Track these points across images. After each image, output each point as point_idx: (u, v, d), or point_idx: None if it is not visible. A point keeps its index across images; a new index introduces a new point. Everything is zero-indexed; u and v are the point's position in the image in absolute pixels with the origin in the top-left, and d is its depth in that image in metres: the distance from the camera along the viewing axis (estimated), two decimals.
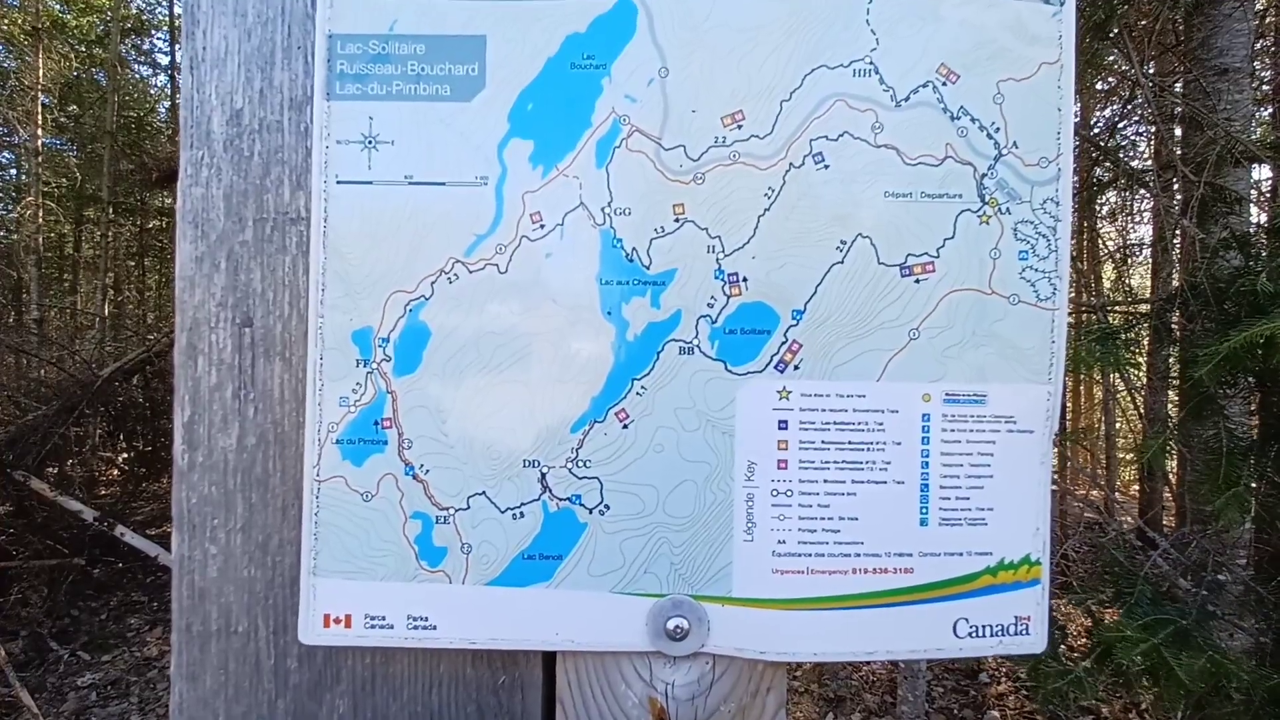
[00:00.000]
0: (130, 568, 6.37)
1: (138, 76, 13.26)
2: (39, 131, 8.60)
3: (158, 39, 12.74)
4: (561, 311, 0.35)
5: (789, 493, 0.35)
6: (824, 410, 0.35)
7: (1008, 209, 0.35)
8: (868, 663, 4.78)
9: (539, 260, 0.35)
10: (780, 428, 0.35)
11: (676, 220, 0.35)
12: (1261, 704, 1.13)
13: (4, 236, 8.63)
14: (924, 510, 0.35)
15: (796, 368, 0.35)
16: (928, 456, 0.35)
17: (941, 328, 0.35)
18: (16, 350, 5.79)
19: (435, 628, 0.35)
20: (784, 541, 0.35)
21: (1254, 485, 1.18)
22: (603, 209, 0.35)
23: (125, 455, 8.04)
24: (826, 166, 0.35)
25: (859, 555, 0.35)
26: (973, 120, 0.35)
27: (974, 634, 0.35)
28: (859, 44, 0.35)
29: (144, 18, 12.44)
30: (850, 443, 0.35)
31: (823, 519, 0.35)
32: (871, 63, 0.35)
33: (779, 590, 0.35)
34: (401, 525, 0.36)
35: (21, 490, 4.99)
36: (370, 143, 0.36)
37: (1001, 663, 4.19)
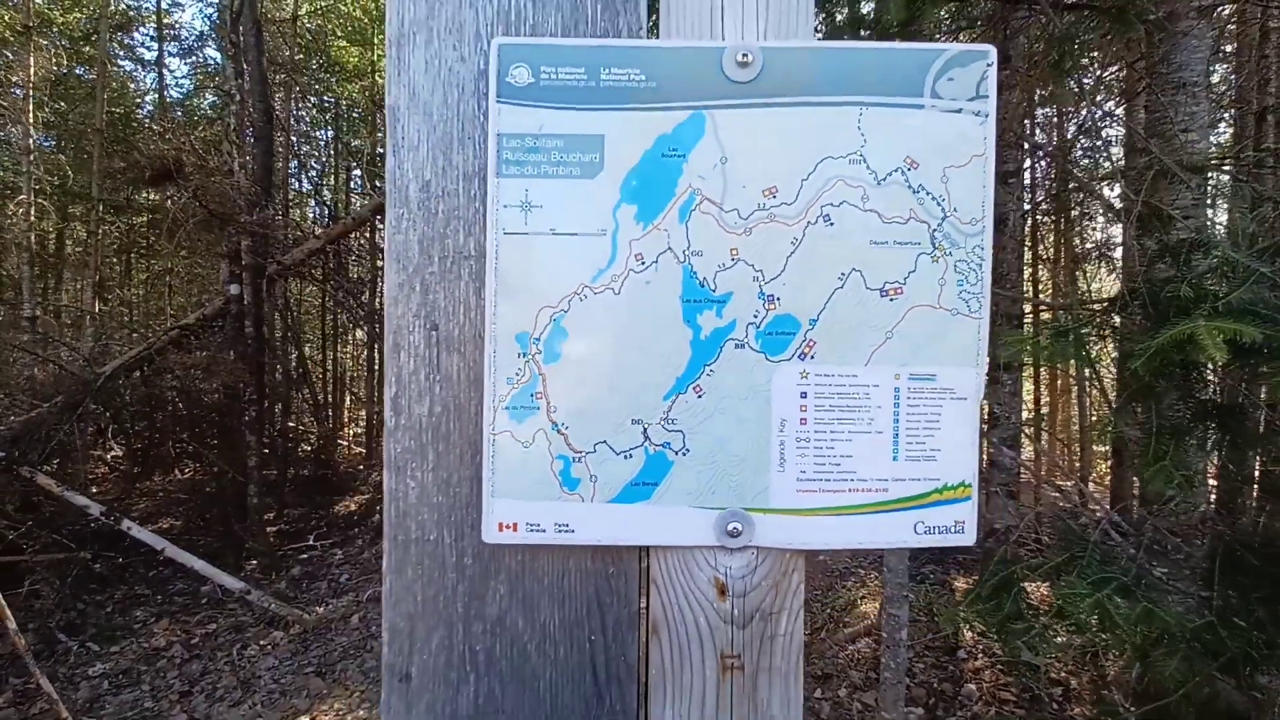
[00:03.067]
0: (131, 562, 6.44)
1: (123, 72, 13.10)
2: (30, 129, 8.57)
3: (141, 34, 12.62)
4: (656, 320, 0.53)
5: (807, 439, 0.53)
6: (830, 385, 0.53)
7: (950, 252, 0.54)
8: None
9: (641, 286, 0.53)
10: (801, 396, 0.53)
11: (733, 259, 0.53)
12: (1190, 647, 1.33)
13: None
14: (895, 450, 0.54)
15: (812, 357, 0.53)
16: (898, 415, 0.54)
17: (907, 331, 0.54)
18: (17, 347, 5.85)
19: (574, 531, 0.53)
20: (804, 471, 0.53)
21: (1186, 463, 1.38)
22: (684, 251, 0.53)
23: (121, 451, 8.04)
24: (832, 224, 0.53)
25: (853, 480, 0.53)
26: (928, 194, 0.54)
27: (928, 532, 0.54)
28: (853, 142, 0.53)
29: (130, 13, 12.29)
30: (847, 406, 0.53)
31: (829, 456, 0.53)
32: (861, 155, 0.53)
33: (801, 503, 0.53)
34: (549, 464, 0.53)
35: (28, 486, 5.06)
36: (526, 206, 0.53)
37: (979, 640, 4.43)
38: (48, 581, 4.89)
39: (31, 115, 8.61)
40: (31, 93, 8.63)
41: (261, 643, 5.06)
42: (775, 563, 0.54)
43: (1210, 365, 1.38)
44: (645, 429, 0.53)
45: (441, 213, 0.56)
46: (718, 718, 0.54)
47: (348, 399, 15.01)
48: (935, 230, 0.54)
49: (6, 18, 9.53)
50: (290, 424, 9.85)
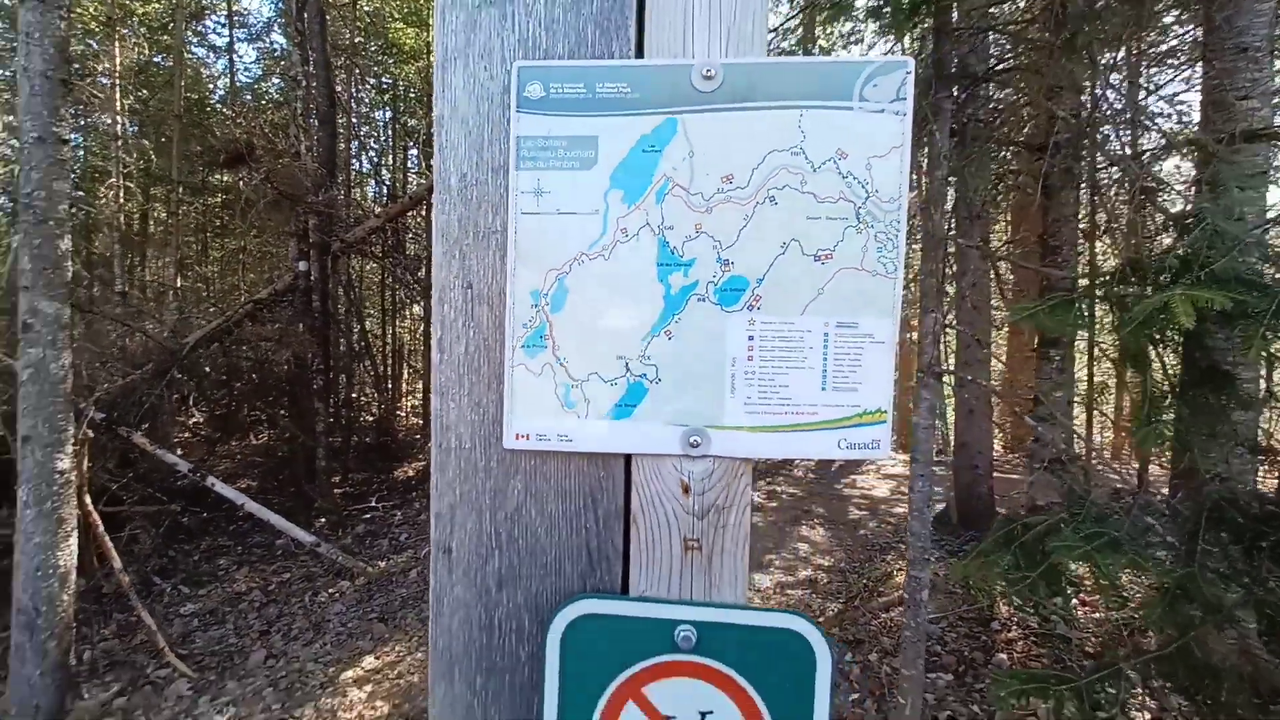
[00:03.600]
0: (214, 517, 7.02)
1: (196, 59, 13.68)
2: (119, 117, 9.17)
3: (212, 21, 13.18)
4: (636, 279, 0.69)
5: (753, 373, 0.68)
6: (772, 330, 0.68)
7: (871, 225, 0.67)
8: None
9: (626, 253, 0.69)
10: (749, 339, 0.68)
11: (697, 232, 0.68)
12: (1173, 596, 1.41)
13: (87, 213, 9.31)
14: (824, 382, 0.68)
15: (759, 309, 0.68)
16: (826, 354, 0.68)
17: (836, 288, 0.68)
18: (112, 319, 6.41)
19: (572, 441, 0.70)
20: (750, 398, 0.68)
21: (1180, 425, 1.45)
22: (659, 226, 0.68)
23: (203, 417, 8.67)
24: (776, 203, 0.67)
25: (789, 404, 0.68)
26: (855, 179, 0.67)
27: (850, 448, 0.68)
28: (794, 138, 0.67)
29: (202, 2, 12.82)
30: (786, 347, 0.68)
31: (771, 386, 0.68)
32: (801, 148, 0.67)
33: (748, 422, 0.68)
34: (555, 389, 0.70)
35: (125, 445, 5.59)
36: (538, 192, 0.69)
37: (1013, 613, 4.46)
38: (144, 530, 5.44)
39: (119, 103, 9.23)
40: (118, 81, 9.26)
41: (330, 591, 5.50)
42: (727, 469, 0.70)
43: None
44: (627, 363, 0.69)
45: (475, 198, 0.72)
46: (681, 585, 0.70)
47: (405, 371, 15.49)
48: (860, 208, 0.67)
49: (93, 9, 10.14)
50: (353, 395, 10.38)
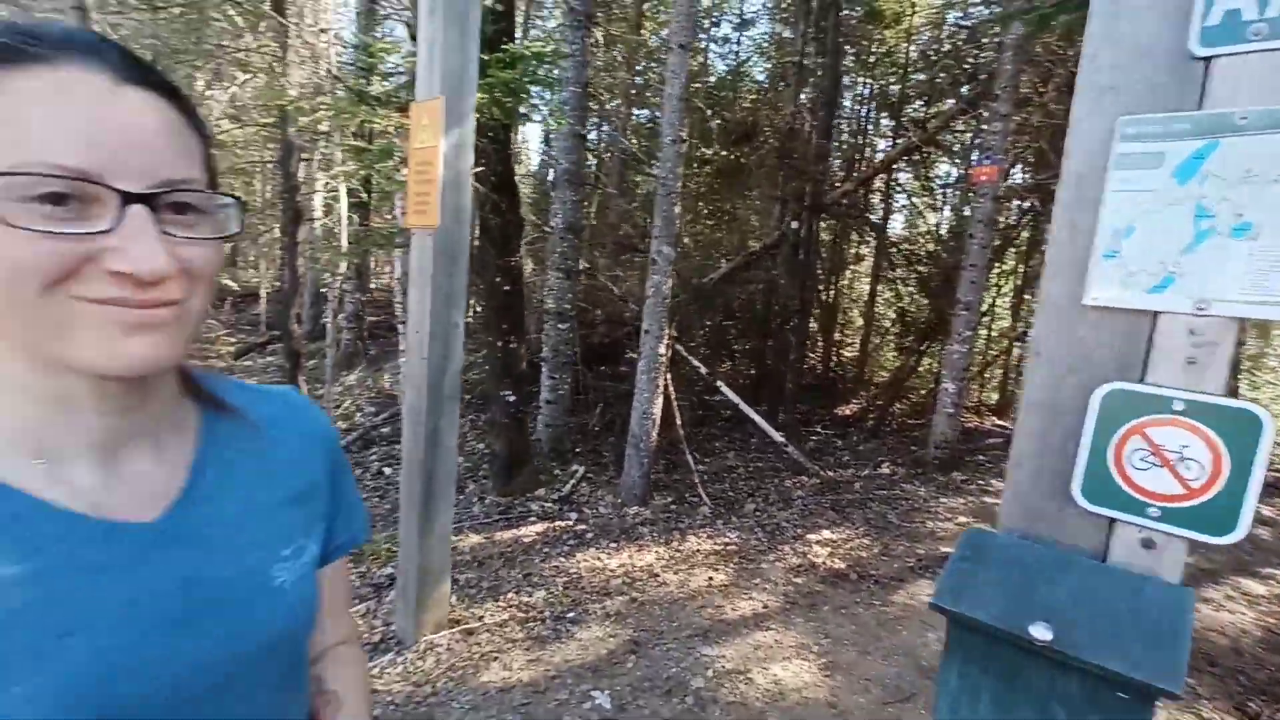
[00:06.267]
0: (706, 415, 9.25)
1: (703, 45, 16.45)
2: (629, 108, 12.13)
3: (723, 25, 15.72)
4: (1178, 223, 1.38)
5: (1248, 274, 1.31)
6: (1263, 252, 1.30)
7: None
8: None
9: (1172, 210, 1.38)
10: (1249, 255, 1.31)
11: (1222, 199, 1.33)
12: None
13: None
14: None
15: (1256, 240, 1.30)
16: None
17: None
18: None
19: (1123, 303, 1.45)
20: (1243, 286, 1.32)
21: None
22: (1198, 196, 1.36)
23: (704, 339, 11.18)
24: (1276, 183, 1.28)
25: (1265, 290, 1.29)
26: None
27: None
28: None
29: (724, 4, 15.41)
30: (1271, 260, 1.29)
31: (1259, 280, 1.30)
32: None
33: (1239, 298, 1.32)
34: (1118, 277, 1.45)
35: (675, 353, 7.93)
36: (1123, 180, 1.44)
37: None
38: (686, 406, 7.78)
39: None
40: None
41: (792, 481, 6.99)
42: (1223, 322, 1.34)
43: None
44: (1165, 266, 1.40)
45: (1086, 185, 1.50)
46: (1179, 381, 1.39)
47: (840, 322, 16.51)
48: None
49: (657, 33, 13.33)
50: (806, 338, 11.91)
